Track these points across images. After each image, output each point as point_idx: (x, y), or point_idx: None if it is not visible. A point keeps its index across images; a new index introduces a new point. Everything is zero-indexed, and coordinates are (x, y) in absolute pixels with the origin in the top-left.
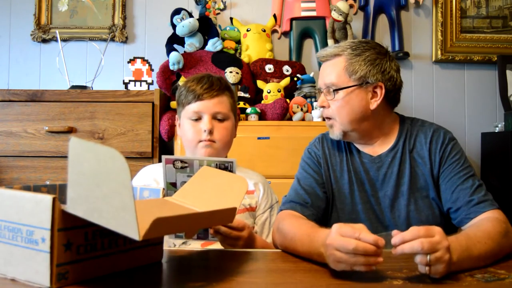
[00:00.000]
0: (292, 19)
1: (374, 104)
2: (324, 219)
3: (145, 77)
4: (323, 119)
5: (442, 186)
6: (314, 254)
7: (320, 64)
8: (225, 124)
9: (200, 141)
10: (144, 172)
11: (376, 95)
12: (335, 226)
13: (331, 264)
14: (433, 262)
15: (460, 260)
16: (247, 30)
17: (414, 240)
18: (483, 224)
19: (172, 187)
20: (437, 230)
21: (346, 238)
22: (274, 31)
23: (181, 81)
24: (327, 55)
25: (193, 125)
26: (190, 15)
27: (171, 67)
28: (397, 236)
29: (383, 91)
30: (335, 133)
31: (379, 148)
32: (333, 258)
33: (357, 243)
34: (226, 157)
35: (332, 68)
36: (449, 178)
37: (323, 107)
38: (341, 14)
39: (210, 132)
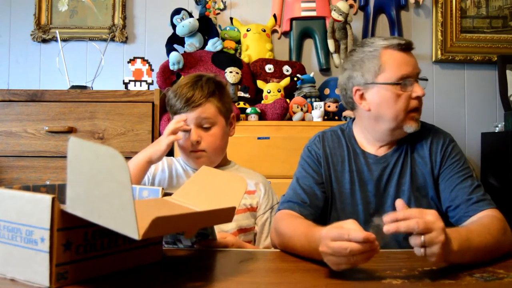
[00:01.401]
0: (292, 19)
1: None
2: (322, 219)
3: (145, 77)
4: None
5: (441, 185)
6: (313, 253)
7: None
8: (212, 131)
9: (191, 151)
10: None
11: None
12: (324, 232)
13: (332, 267)
14: (428, 243)
15: (461, 250)
16: (247, 30)
17: (409, 219)
18: (483, 220)
19: None
20: (430, 211)
21: (338, 242)
22: (274, 31)
23: None
24: (412, 44)
25: (182, 135)
26: (190, 15)
27: (171, 67)
28: (389, 214)
29: None
30: (419, 125)
31: (384, 148)
32: (331, 262)
33: (351, 247)
34: (226, 156)
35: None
36: (448, 177)
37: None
38: (341, 14)
39: (198, 142)
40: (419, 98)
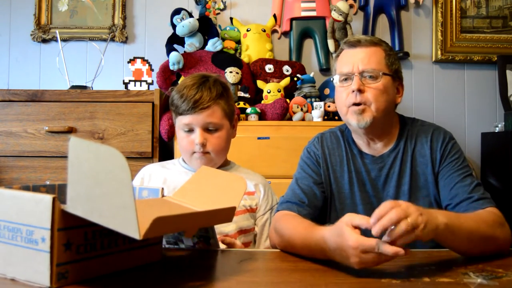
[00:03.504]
0: (292, 19)
1: (399, 99)
2: (321, 219)
3: (145, 77)
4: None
5: (440, 183)
6: (315, 252)
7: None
8: (218, 134)
9: (194, 152)
10: (142, 173)
11: (399, 92)
12: (353, 242)
13: (355, 265)
14: (416, 223)
15: (450, 224)
16: (247, 30)
17: (387, 213)
18: (479, 212)
19: None
20: (400, 201)
21: (370, 254)
22: (274, 31)
23: (180, 81)
24: (366, 40)
25: (186, 136)
26: (190, 15)
27: (171, 67)
28: (372, 217)
29: (402, 89)
30: (365, 119)
31: (381, 148)
32: (357, 266)
33: (382, 259)
34: (227, 159)
35: (373, 54)
36: (448, 175)
37: (359, 90)
38: (341, 14)
39: (203, 145)
40: (359, 92)
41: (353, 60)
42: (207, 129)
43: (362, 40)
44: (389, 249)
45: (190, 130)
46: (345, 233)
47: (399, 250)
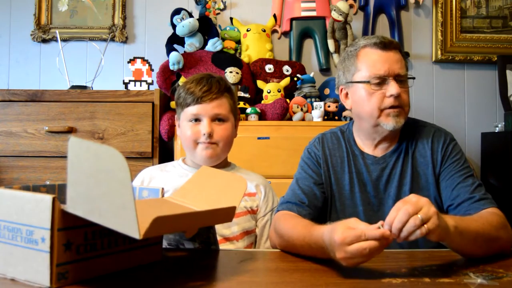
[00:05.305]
0: (292, 19)
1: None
2: (321, 219)
3: (145, 77)
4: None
5: (442, 184)
6: (315, 251)
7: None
8: (225, 126)
9: (199, 142)
10: (142, 176)
11: None
12: (338, 238)
13: (347, 265)
14: (426, 218)
15: (458, 227)
16: (247, 30)
17: (398, 214)
18: (483, 214)
19: None
20: (411, 195)
21: (355, 245)
22: (274, 31)
23: (181, 81)
24: (395, 43)
25: (192, 126)
26: (190, 15)
27: (171, 67)
28: (385, 223)
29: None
30: (401, 121)
31: (383, 149)
32: (347, 263)
33: (369, 246)
34: (227, 158)
35: (399, 58)
36: (449, 176)
37: (398, 95)
38: (341, 14)
39: (210, 135)
40: (396, 97)
41: (388, 62)
42: (214, 120)
43: (394, 43)
44: (376, 232)
45: (197, 120)
46: (335, 228)
47: (385, 231)
